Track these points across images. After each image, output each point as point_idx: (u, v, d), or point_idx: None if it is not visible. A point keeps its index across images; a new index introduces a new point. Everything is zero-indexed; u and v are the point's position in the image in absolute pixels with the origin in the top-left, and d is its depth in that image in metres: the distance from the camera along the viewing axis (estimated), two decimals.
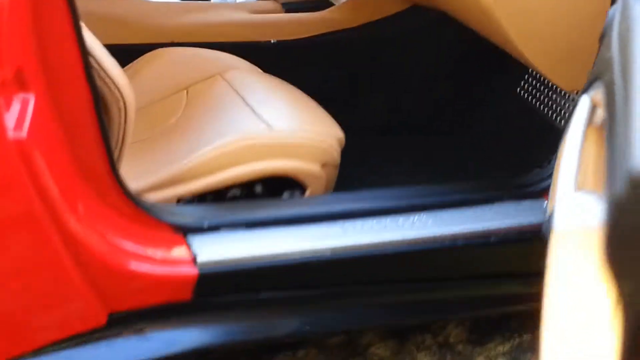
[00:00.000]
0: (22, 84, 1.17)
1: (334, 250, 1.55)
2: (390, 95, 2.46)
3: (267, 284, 1.56)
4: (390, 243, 1.59)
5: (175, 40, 2.19)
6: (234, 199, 1.68)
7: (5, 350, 1.32)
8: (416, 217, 1.63)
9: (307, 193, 1.74)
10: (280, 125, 1.77)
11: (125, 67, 2.03)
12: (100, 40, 2.07)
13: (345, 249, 1.56)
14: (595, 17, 1.61)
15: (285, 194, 1.72)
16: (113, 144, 1.47)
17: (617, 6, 1.25)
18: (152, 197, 1.61)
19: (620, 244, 0.72)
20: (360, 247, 1.56)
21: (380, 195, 1.68)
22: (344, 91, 2.43)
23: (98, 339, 1.42)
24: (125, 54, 2.07)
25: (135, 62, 2.04)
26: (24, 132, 1.15)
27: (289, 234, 1.55)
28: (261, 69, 2.13)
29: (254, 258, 1.50)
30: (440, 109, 2.49)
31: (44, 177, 1.21)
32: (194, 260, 1.45)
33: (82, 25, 1.37)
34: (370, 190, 1.72)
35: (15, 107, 1.15)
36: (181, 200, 1.65)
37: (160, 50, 2.07)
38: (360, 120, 2.41)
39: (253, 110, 1.84)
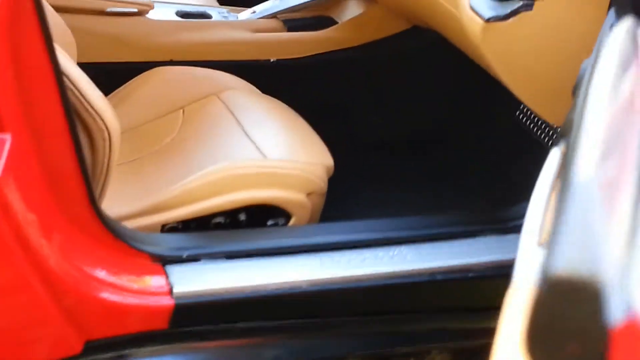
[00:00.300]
0: None
1: (310, 283, 1.57)
2: (389, 113, 2.47)
3: (244, 314, 1.58)
4: (368, 277, 1.60)
5: (174, 59, 2.21)
6: (218, 226, 1.70)
7: None
8: (396, 251, 1.65)
9: (292, 221, 1.76)
10: (271, 153, 1.79)
11: (123, 86, 2.06)
12: (98, 58, 2.11)
13: (322, 282, 1.58)
14: (583, 55, 1.61)
15: (270, 222, 1.75)
16: (97, 172, 1.51)
17: (591, 58, 1.25)
18: (137, 223, 1.64)
19: (538, 337, 0.73)
20: (337, 280, 1.58)
21: (361, 228, 1.70)
22: (343, 109, 2.44)
23: None
24: (123, 71, 2.11)
25: (132, 80, 2.07)
26: None
27: (268, 265, 1.57)
28: (260, 87, 2.15)
29: (231, 290, 1.52)
30: (438, 128, 2.50)
31: (18, 213, 1.24)
32: (171, 291, 1.48)
33: (66, 56, 1.40)
34: (352, 221, 1.74)
35: None
36: (166, 227, 1.68)
37: (158, 68, 2.09)
38: (359, 137, 2.43)
39: (246, 135, 1.87)
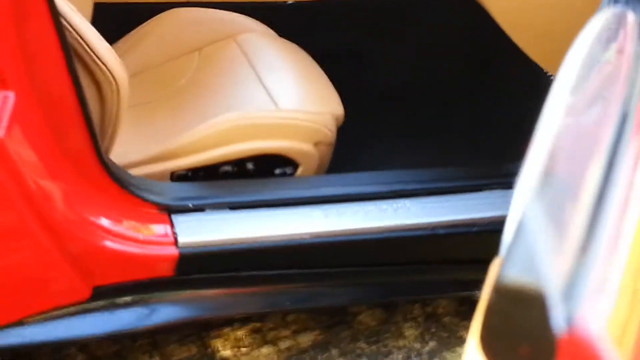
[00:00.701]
0: (1, 83, 1.23)
1: (314, 234, 1.60)
2: (406, 61, 2.43)
3: (247, 264, 1.62)
4: (370, 229, 1.63)
5: (191, 0, 2.21)
6: (226, 174, 1.73)
7: None
8: (399, 204, 1.67)
9: (300, 170, 1.78)
10: (282, 101, 1.80)
11: (140, 26, 2.08)
12: None
13: (324, 234, 1.61)
14: (590, 10, 1.59)
15: (277, 171, 1.77)
16: (106, 122, 1.54)
17: None
18: (146, 170, 1.68)
19: (493, 336, 0.76)
20: (339, 232, 1.61)
21: (366, 180, 1.72)
22: (360, 54, 2.41)
23: (83, 311, 1.51)
24: (140, 11, 2.12)
25: (149, 21, 2.08)
26: (2, 131, 1.21)
27: (272, 216, 1.60)
28: (278, 30, 2.15)
29: (234, 240, 1.56)
30: (454, 80, 2.45)
31: (23, 170, 1.28)
32: (176, 241, 1.52)
33: (72, 9, 1.41)
34: (357, 173, 1.75)
35: None
36: (174, 174, 1.71)
37: (175, 9, 2.10)
38: (373, 85, 2.39)
39: (259, 81, 1.88)
